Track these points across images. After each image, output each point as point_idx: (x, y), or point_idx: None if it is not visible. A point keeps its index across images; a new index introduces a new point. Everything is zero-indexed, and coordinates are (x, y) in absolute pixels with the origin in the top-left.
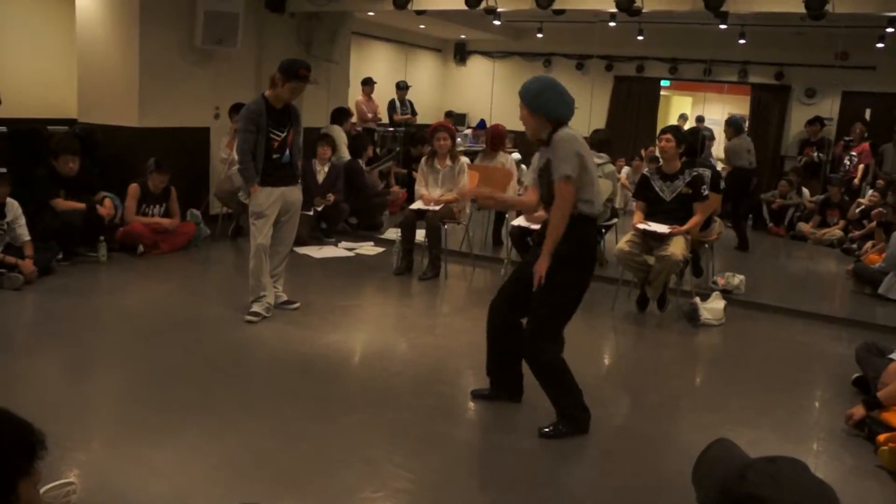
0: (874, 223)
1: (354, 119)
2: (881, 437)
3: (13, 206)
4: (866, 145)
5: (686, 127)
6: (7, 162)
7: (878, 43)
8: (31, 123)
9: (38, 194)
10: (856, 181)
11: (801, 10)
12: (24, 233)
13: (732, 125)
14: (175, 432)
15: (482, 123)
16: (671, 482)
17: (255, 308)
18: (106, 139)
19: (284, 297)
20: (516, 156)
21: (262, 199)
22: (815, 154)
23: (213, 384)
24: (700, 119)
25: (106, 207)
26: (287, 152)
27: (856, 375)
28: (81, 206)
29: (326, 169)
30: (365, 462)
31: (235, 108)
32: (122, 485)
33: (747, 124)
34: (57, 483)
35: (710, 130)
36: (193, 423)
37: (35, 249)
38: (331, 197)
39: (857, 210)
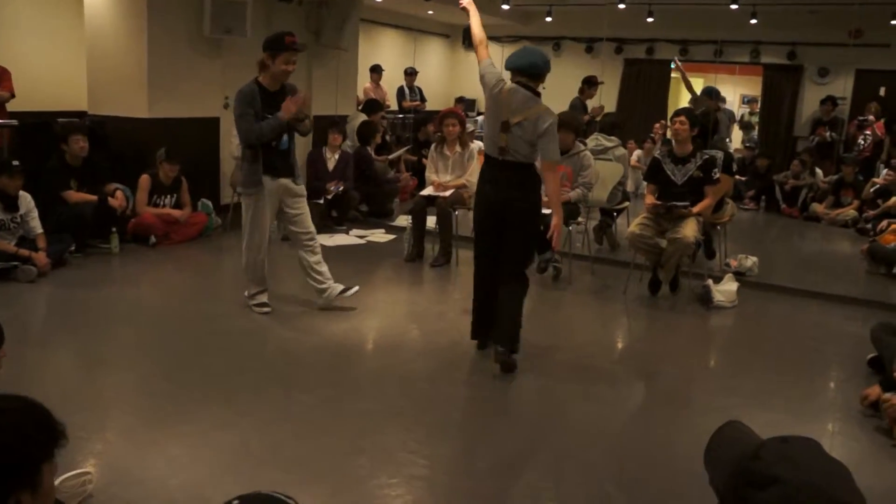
0: (893, 199)
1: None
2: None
3: (26, 199)
4: (881, 124)
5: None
6: (19, 155)
7: (892, 20)
8: (41, 116)
9: (49, 186)
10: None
11: None
12: (37, 225)
13: (715, 96)
14: (189, 422)
15: None
16: (686, 465)
17: (263, 298)
18: (116, 131)
19: (341, 287)
20: None
21: (256, 199)
22: (828, 134)
23: (226, 373)
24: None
25: (118, 199)
26: (285, 138)
27: (871, 356)
28: (93, 198)
29: (337, 157)
30: (379, 449)
31: None
32: (138, 474)
33: (759, 104)
34: (73, 473)
35: (732, 114)
36: (207, 412)
37: (48, 242)
38: (341, 185)
39: (872, 189)
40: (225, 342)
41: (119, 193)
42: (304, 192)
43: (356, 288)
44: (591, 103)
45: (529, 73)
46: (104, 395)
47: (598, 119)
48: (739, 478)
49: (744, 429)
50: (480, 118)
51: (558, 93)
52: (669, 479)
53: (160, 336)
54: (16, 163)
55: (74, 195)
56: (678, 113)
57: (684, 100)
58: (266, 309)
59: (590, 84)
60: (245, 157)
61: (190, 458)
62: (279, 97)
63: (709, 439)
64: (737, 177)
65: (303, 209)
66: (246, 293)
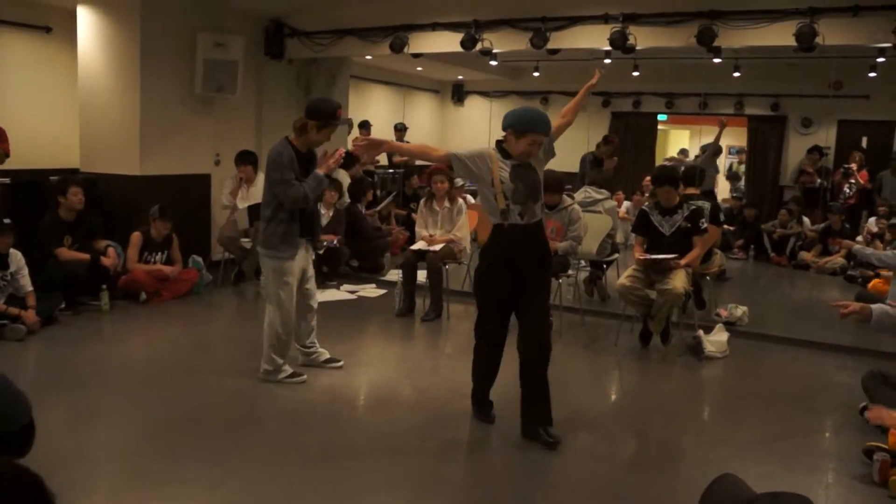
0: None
1: None
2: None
3: (16, 257)
4: (864, 173)
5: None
6: (10, 213)
7: (870, 72)
8: (33, 174)
9: (44, 241)
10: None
11: (793, 43)
12: (27, 283)
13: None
14: (178, 482)
15: None
16: None
17: (289, 368)
18: (108, 188)
19: (327, 355)
20: None
21: (290, 263)
22: (818, 181)
23: (215, 432)
24: (704, 148)
25: (110, 258)
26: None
27: (863, 404)
28: (86, 257)
29: (331, 213)
30: None
31: (242, 157)
32: None
33: (744, 155)
34: None
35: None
36: (196, 472)
37: (38, 299)
38: (335, 239)
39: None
40: (214, 400)
41: (111, 251)
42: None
43: (342, 363)
44: (607, 160)
45: None
46: (91, 454)
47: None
48: None
49: (737, 482)
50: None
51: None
52: None
53: (149, 394)
54: (7, 221)
55: (66, 253)
56: (661, 182)
57: (671, 151)
58: (302, 377)
59: (605, 142)
60: (278, 219)
61: None
62: (308, 159)
63: (702, 493)
64: (724, 226)
65: (312, 272)
66: (265, 368)
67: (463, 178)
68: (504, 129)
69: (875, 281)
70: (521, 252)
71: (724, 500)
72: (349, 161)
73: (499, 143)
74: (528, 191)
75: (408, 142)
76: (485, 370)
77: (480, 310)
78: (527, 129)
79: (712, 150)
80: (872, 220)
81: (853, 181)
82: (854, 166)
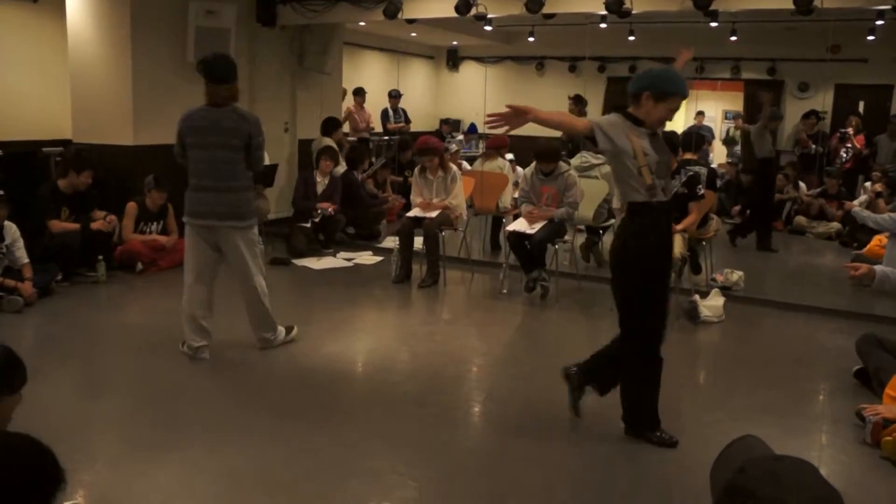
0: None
1: (346, 129)
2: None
3: (11, 229)
4: (861, 137)
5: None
6: (3, 185)
7: (868, 36)
8: (25, 146)
9: (40, 213)
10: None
11: (790, 6)
12: (22, 255)
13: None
14: (178, 450)
15: (473, 128)
16: (674, 481)
17: (281, 327)
18: (101, 159)
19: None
20: (509, 156)
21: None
22: (813, 146)
23: (214, 400)
24: (700, 114)
25: (109, 221)
26: None
27: (857, 368)
28: (76, 226)
29: (326, 181)
30: (369, 472)
31: None
32: None
33: (741, 120)
34: None
35: (710, 130)
36: (196, 439)
37: (34, 271)
38: (331, 208)
39: (857, 202)
40: (213, 368)
41: (111, 217)
42: None
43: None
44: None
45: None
46: (92, 424)
47: None
48: (726, 490)
49: (755, 443)
50: (463, 137)
51: None
52: (658, 498)
53: (148, 363)
54: (0, 192)
55: (57, 224)
56: None
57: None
58: (293, 331)
59: (576, 102)
60: (250, 184)
61: (179, 487)
62: None
63: (720, 452)
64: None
65: None
66: (265, 336)
67: (604, 150)
68: (638, 91)
69: (871, 244)
70: (668, 234)
71: (737, 459)
72: (331, 126)
73: (621, 109)
74: (668, 164)
75: (403, 109)
76: (657, 384)
77: (642, 304)
78: (669, 93)
79: (766, 119)
80: (868, 184)
81: (850, 146)
82: (851, 131)
